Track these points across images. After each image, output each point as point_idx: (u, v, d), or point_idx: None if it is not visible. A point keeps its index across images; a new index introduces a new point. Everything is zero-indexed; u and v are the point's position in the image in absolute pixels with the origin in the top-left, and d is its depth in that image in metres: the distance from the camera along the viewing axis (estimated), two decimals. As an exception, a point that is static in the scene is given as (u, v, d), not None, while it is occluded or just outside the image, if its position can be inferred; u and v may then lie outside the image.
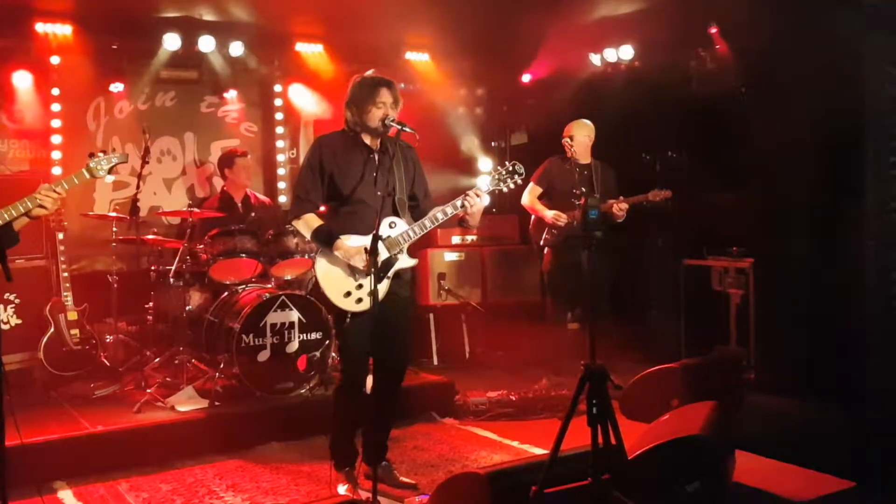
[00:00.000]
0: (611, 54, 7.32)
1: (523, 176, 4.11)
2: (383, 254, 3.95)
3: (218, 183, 7.31)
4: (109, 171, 3.76)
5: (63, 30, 6.43)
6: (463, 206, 4.01)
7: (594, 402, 2.99)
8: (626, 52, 7.23)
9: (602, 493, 2.93)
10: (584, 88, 7.48)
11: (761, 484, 4.06)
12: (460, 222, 4.14)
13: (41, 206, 3.57)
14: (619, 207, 5.81)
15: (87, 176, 3.71)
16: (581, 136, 6.10)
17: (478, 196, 4.00)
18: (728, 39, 6.45)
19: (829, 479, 4.05)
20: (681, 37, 6.69)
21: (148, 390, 5.33)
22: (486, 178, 4.10)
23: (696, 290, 6.50)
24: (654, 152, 7.21)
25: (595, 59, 7.44)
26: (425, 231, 4.08)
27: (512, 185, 4.09)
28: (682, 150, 6.95)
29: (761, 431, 4.65)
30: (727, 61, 6.42)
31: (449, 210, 4.04)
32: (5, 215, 3.49)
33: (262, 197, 6.86)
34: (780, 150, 5.89)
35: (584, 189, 5.93)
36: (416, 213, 4.19)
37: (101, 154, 3.74)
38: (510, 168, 4.08)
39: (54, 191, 3.60)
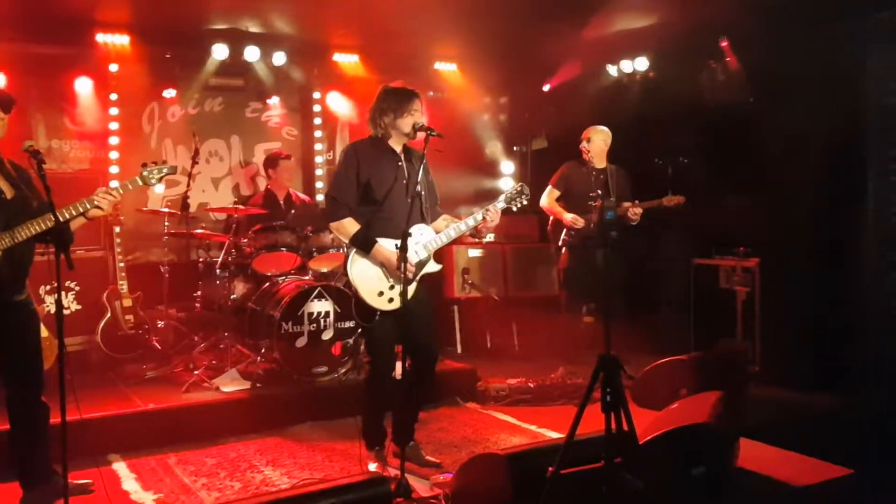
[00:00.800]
0: (627, 65, 7.30)
1: (528, 196, 4.20)
2: (419, 255, 3.98)
3: (261, 182, 7.39)
4: (160, 181, 3.83)
5: (121, 40, 6.51)
6: (483, 219, 4.06)
7: (608, 390, 2.99)
8: (642, 63, 7.20)
9: (614, 475, 2.93)
10: (601, 97, 7.46)
11: (764, 470, 4.03)
12: (474, 233, 4.19)
13: (97, 208, 3.65)
14: (634, 212, 5.78)
15: (140, 184, 3.79)
16: (598, 141, 6.07)
17: (496, 212, 4.07)
18: (737, 52, 6.40)
19: (828, 466, 4.02)
20: (693, 49, 6.65)
21: (195, 372, 5.40)
22: (501, 196, 4.16)
23: (704, 288, 6.46)
24: (666, 158, 7.17)
25: (612, 69, 7.41)
26: (450, 240, 4.13)
27: (520, 204, 4.19)
28: (693, 156, 6.90)
29: (765, 421, 4.63)
30: (737, 73, 6.37)
31: (471, 222, 4.10)
32: (66, 213, 3.56)
33: (302, 195, 6.91)
34: (785, 157, 5.86)
35: (599, 192, 5.88)
36: (429, 220, 4.21)
37: (153, 164, 3.81)
38: (518, 189, 4.19)
39: (110, 194, 3.67)
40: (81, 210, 3.60)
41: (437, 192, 4.35)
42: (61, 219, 3.48)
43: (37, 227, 3.51)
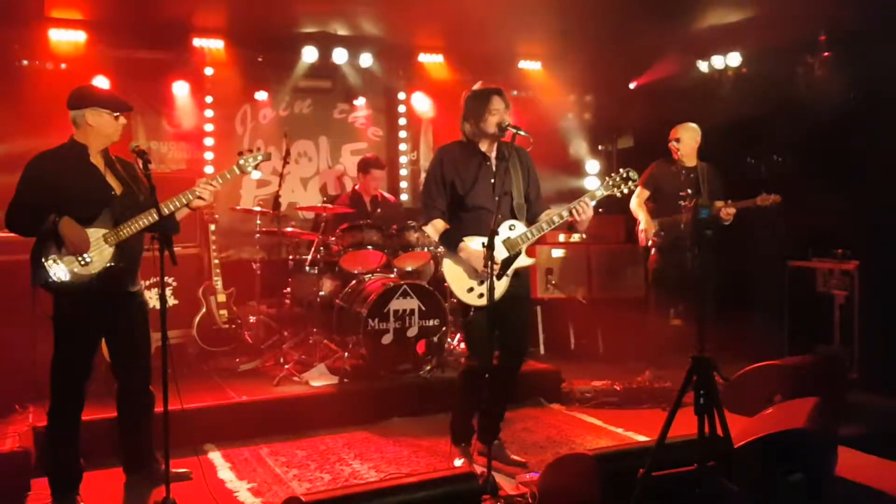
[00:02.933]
0: (718, 61, 7.11)
1: (637, 182, 4.06)
2: (502, 253, 4.00)
3: (348, 182, 7.55)
4: (255, 168, 3.98)
5: (216, 44, 6.77)
6: (574, 211, 4.01)
7: (701, 392, 2.94)
8: (734, 59, 7.01)
9: (708, 479, 2.88)
10: (691, 93, 7.30)
11: (863, 479, 3.88)
12: (570, 227, 4.16)
13: (200, 198, 3.83)
14: (727, 212, 5.61)
15: (238, 172, 3.95)
16: (688, 139, 5.94)
17: (587, 205, 4.00)
18: (836, 46, 6.17)
19: (931, 478, 3.85)
20: (789, 44, 6.43)
21: (286, 366, 5.56)
22: (598, 184, 4.06)
23: (800, 292, 6.24)
24: (759, 156, 6.97)
25: (702, 65, 7.24)
26: (542, 234, 4.12)
27: (626, 191, 4.04)
28: (788, 155, 6.69)
29: (864, 429, 4.45)
30: (835, 68, 6.14)
31: (565, 214, 4.04)
32: (170, 206, 3.75)
33: (388, 195, 7.02)
34: (886, 155, 5.61)
35: (690, 191, 5.78)
36: (529, 215, 4.21)
37: (247, 153, 3.97)
38: (624, 175, 4.03)
39: (210, 184, 3.85)
40: (185, 201, 3.80)
41: (539, 188, 4.32)
42: (165, 211, 3.67)
43: (144, 222, 3.71)
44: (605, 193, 4.06)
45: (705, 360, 2.97)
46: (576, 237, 7.35)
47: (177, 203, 3.79)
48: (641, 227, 6.00)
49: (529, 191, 4.27)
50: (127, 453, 4.06)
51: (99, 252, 3.68)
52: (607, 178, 4.07)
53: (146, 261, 3.89)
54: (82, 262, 3.63)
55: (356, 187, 6.80)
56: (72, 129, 3.80)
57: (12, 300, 4.67)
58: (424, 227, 4.27)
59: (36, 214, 3.59)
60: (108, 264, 3.69)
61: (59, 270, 3.60)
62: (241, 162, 3.95)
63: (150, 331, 4.02)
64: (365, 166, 6.72)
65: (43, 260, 3.60)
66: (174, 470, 3.73)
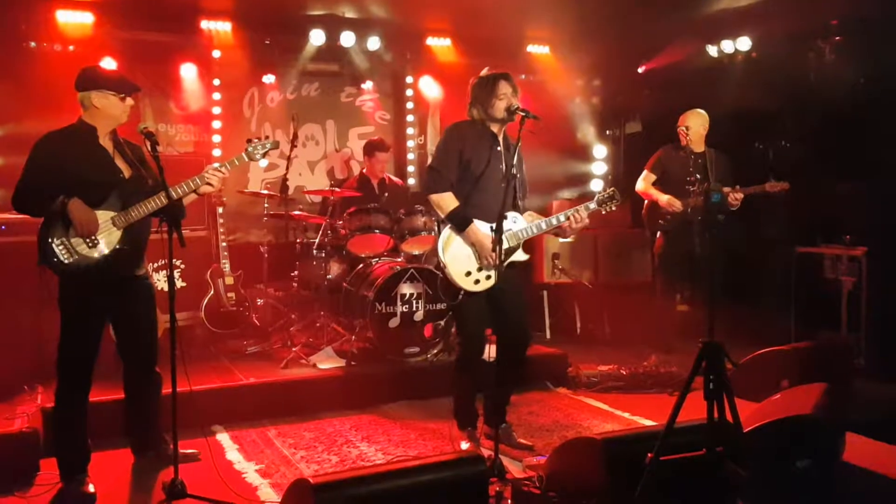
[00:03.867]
0: (728, 45, 7.02)
1: (619, 202, 4.15)
2: (505, 243, 3.98)
3: (355, 166, 7.52)
4: (263, 156, 3.95)
5: (224, 26, 6.72)
6: (567, 220, 4.04)
7: (711, 377, 2.92)
8: (744, 44, 6.92)
9: (716, 464, 2.87)
10: (700, 78, 7.23)
11: (871, 465, 3.86)
12: (556, 232, 4.14)
13: (208, 184, 3.80)
14: (735, 196, 5.57)
15: (246, 159, 3.93)
16: (696, 126, 5.89)
17: (581, 218, 4.04)
18: (847, 31, 6.09)
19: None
20: (800, 28, 6.36)
21: (293, 349, 5.56)
22: (596, 193, 4.17)
23: (808, 278, 6.20)
24: (767, 142, 6.91)
25: (712, 50, 7.17)
26: (540, 232, 4.13)
27: (611, 209, 4.14)
28: (796, 141, 6.63)
29: (871, 415, 4.43)
30: (847, 53, 6.07)
31: (562, 218, 4.06)
32: (178, 191, 3.73)
33: (395, 178, 6.99)
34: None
35: (698, 176, 5.74)
36: (519, 209, 4.19)
37: (256, 140, 3.94)
38: (609, 194, 4.12)
39: (219, 171, 3.82)
40: (193, 187, 3.78)
41: (527, 186, 4.33)
42: (174, 196, 3.64)
43: (152, 205, 3.69)
44: (596, 208, 4.11)
45: (715, 345, 2.94)
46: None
47: (185, 188, 3.76)
48: (664, 200, 5.93)
49: (522, 186, 4.26)
50: (135, 434, 4.08)
51: (107, 235, 3.66)
52: (597, 195, 4.16)
53: (154, 243, 3.89)
54: (90, 245, 3.61)
55: (363, 171, 6.78)
56: (80, 110, 3.77)
57: (20, 281, 4.67)
58: (431, 198, 4.08)
59: (44, 195, 3.56)
60: (116, 247, 3.68)
61: (66, 252, 3.59)
62: (250, 149, 3.92)
63: (158, 313, 4.01)
64: (370, 149, 6.69)
65: (50, 241, 3.58)
66: (182, 451, 3.75)
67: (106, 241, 3.66)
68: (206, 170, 3.83)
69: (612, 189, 4.16)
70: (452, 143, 4.10)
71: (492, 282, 3.97)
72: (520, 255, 4.13)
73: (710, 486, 2.93)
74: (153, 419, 4.03)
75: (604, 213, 4.17)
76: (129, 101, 3.79)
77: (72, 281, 3.64)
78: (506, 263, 4.02)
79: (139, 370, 3.94)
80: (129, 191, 3.73)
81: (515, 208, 4.13)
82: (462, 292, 4.03)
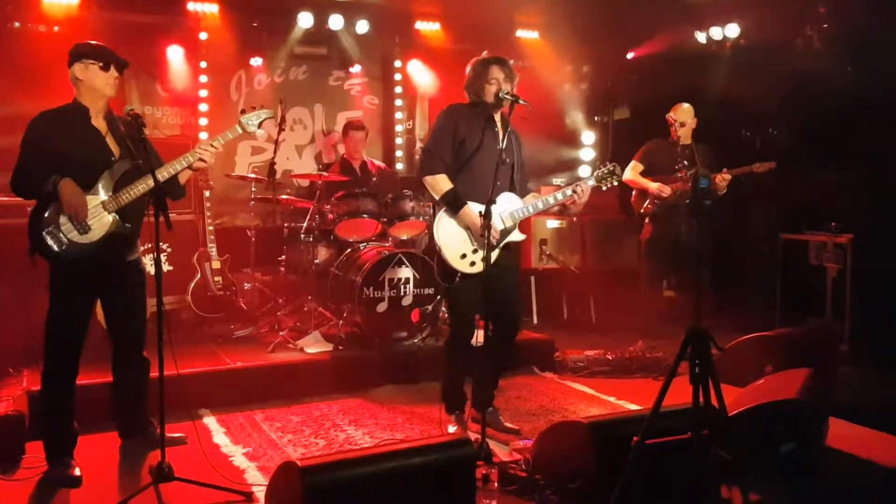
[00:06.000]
0: (716, 32, 7.03)
1: (619, 178, 4.17)
2: (501, 224, 3.97)
3: (342, 150, 7.47)
4: (259, 126, 3.87)
5: (211, 8, 6.67)
6: (573, 194, 4.02)
7: (697, 361, 2.93)
8: (732, 30, 6.93)
9: (702, 447, 2.88)
10: (688, 65, 7.23)
11: (854, 449, 3.91)
12: (562, 209, 4.15)
13: (201, 160, 3.75)
14: (723, 178, 5.59)
15: (239, 131, 3.84)
16: (689, 120, 5.93)
17: (587, 188, 4.03)
18: (835, 19, 6.10)
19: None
20: (788, 15, 6.36)
21: (280, 333, 5.54)
22: (591, 170, 4.12)
23: (793, 264, 6.25)
24: (754, 129, 6.93)
25: (700, 36, 7.17)
26: (537, 212, 4.13)
27: (610, 185, 4.14)
28: (783, 128, 6.65)
29: (855, 401, 4.49)
30: (834, 40, 6.08)
31: (560, 196, 4.06)
32: (171, 169, 3.68)
33: (378, 163, 6.96)
34: (882, 128, 5.57)
35: (686, 163, 5.76)
36: (518, 192, 4.18)
37: (251, 109, 3.86)
38: (610, 169, 4.12)
39: (212, 145, 3.77)
40: (185, 164, 3.71)
41: (526, 169, 4.32)
42: (166, 174, 3.61)
43: (143, 188, 3.63)
44: (595, 184, 4.11)
45: (701, 330, 2.95)
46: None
47: (177, 167, 3.70)
48: (654, 187, 5.93)
49: (521, 169, 4.25)
50: (122, 418, 4.05)
51: (98, 219, 3.61)
52: (596, 170, 4.15)
53: (142, 226, 3.84)
54: (81, 231, 3.56)
55: (343, 155, 6.76)
56: (66, 90, 3.70)
57: (9, 263, 4.62)
58: (425, 179, 4.07)
59: (38, 177, 3.49)
60: (108, 231, 3.63)
61: (55, 241, 3.53)
62: (244, 120, 3.83)
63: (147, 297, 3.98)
64: (345, 129, 6.73)
65: (40, 230, 3.51)
66: (169, 435, 3.72)
67: (98, 227, 3.60)
68: (199, 145, 3.77)
69: (612, 164, 4.14)
70: (446, 124, 4.10)
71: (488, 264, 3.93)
72: (516, 236, 4.12)
73: (695, 469, 2.95)
74: (141, 403, 4.00)
75: (603, 189, 4.16)
76: (114, 71, 3.67)
77: (63, 265, 3.59)
78: (502, 244, 4.02)
79: (128, 353, 3.91)
80: (119, 173, 3.67)
81: (512, 189, 4.11)
82: (458, 275, 4.03)
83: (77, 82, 3.66)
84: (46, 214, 3.54)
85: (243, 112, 3.86)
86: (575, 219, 7.16)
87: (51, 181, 3.48)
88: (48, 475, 3.64)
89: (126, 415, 4.03)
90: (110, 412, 4.07)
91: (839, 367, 5.24)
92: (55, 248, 3.54)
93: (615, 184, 4.15)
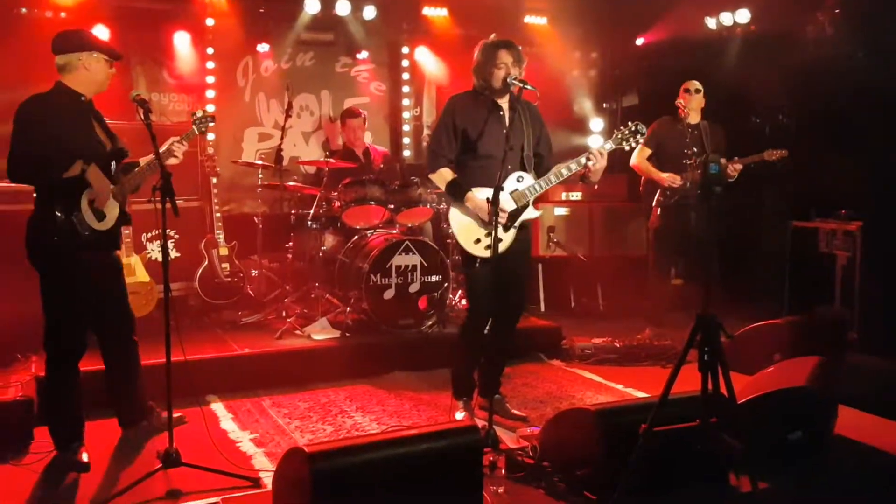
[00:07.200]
0: (727, 17, 6.96)
1: (644, 135, 4.02)
2: (510, 205, 3.95)
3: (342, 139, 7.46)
4: (203, 132, 4.05)
5: (218, -6, 6.63)
6: (586, 163, 3.94)
7: (706, 349, 2.91)
8: (743, 16, 6.86)
9: (710, 434, 2.87)
10: (698, 51, 7.17)
11: (863, 437, 3.91)
12: (582, 179, 4.05)
13: (174, 156, 3.77)
14: (734, 168, 5.53)
15: (196, 133, 3.93)
16: (698, 96, 5.85)
17: (601, 155, 3.93)
18: (847, 4, 6.02)
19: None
20: (799, 0, 6.29)
21: (288, 320, 5.54)
22: (604, 140, 3.99)
23: (802, 252, 6.21)
24: (764, 116, 6.87)
25: (711, 22, 7.09)
26: (550, 185, 4.04)
27: (634, 144, 4.00)
28: (793, 114, 6.58)
29: (864, 389, 4.46)
30: (846, 26, 6.01)
31: (573, 166, 3.98)
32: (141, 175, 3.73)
33: (380, 148, 6.94)
34: (893, 115, 5.51)
35: (695, 149, 5.70)
36: (540, 170, 4.13)
37: (198, 113, 3.94)
38: (633, 128, 3.98)
39: (181, 143, 3.80)
40: (158, 165, 3.57)
41: (550, 143, 4.27)
42: (167, 168, 3.57)
43: (141, 177, 3.63)
44: (614, 147, 4.01)
45: (711, 317, 2.93)
46: (576, 195, 7.28)
47: (153, 166, 3.68)
48: (665, 178, 5.84)
49: (541, 146, 4.20)
50: (120, 407, 3.99)
51: (111, 208, 3.62)
52: (616, 132, 4.02)
53: (148, 213, 3.82)
54: (98, 218, 3.57)
55: (345, 143, 6.75)
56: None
57: (13, 250, 4.61)
58: (430, 175, 4.16)
59: (52, 163, 3.45)
60: (117, 219, 3.66)
61: (83, 225, 3.54)
62: (197, 123, 3.94)
63: (152, 283, 3.99)
64: (341, 118, 6.71)
65: (63, 216, 3.48)
66: (166, 415, 3.71)
67: (110, 214, 3.64)
68: (170, 142, 3.77)
69: (635, 123, 3.99)
70: (443, 119, 4.14)
71: (501, 245, 3.84)
72: (531, 213, 4.07)
73: (704, 456, 2.94)
74: (137, 388, 3.97)
75: (626, 149, 4.06)
76: (113, 69, 3.73)
77: (73, 255, 3.56)
78: (518, 222, 4.00)
79: (118, 339, 3.88)
80: (110, 163, 3.68)
81: (524, 169, 4.08)
82: (478, 260, 4.01)
83: (76, 70, 3.61)
84: (66, 199, 3.51)
85: (193, 115, 3.94)
86: (580, 201, 7.10)
87: (78, 167, 3.47)
88: (57, 460, 3.65)
89: (124, 402, 3.98)
90: (108, 401, 4.01)
91: (848, 354, 5.20)
92: (84, 232, 3.53)
93: (640, 142, 4.01)
